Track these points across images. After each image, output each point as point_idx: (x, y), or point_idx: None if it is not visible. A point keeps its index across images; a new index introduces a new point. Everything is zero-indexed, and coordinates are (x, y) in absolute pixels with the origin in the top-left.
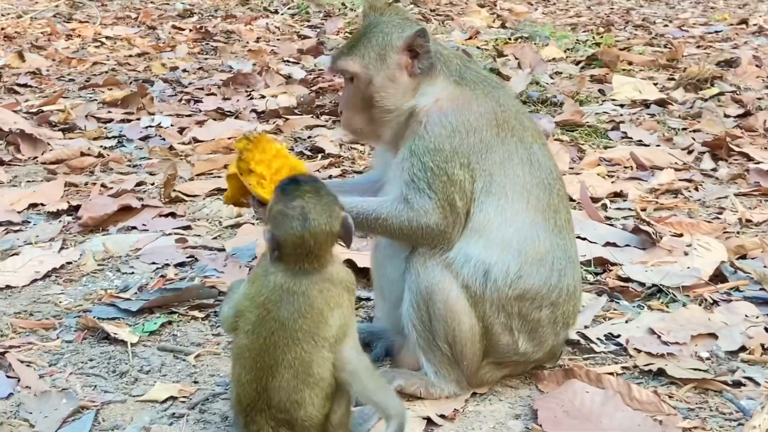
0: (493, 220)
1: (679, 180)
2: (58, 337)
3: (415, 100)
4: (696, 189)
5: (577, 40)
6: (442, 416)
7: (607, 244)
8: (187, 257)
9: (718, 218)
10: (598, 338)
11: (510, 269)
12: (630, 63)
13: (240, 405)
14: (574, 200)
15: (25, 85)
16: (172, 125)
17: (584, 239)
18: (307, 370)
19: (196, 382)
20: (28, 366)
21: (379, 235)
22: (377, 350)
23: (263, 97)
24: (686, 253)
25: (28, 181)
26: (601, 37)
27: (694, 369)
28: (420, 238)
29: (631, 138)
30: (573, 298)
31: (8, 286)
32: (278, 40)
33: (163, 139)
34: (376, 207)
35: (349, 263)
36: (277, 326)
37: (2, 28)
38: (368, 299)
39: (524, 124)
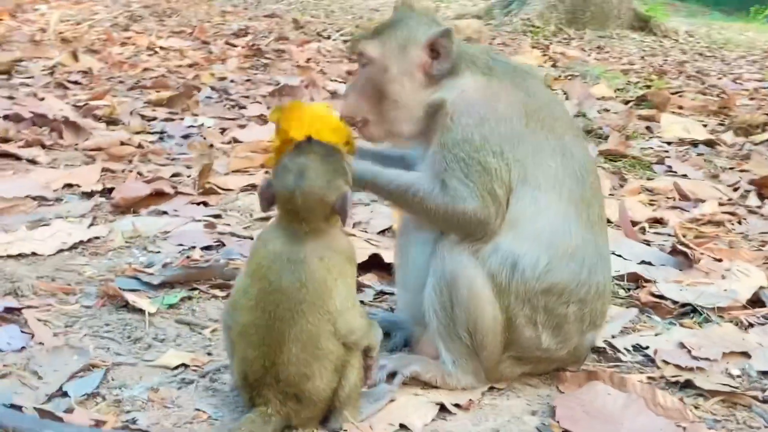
0: (527, 211)
1: (722, 212)
2: (77, 302)
3: (440, 93)
4: (739, 222)
5: (628, 81)
6: (457, 405)
7: (643, 262)
8: (215, 242)
9: (761, 251)
10: (625, 348)
11: (539, 262)
12: (680, 107)
13: (246, 381)
14: (611, 222)
15: (75, 83)
16: (213, 126)
17: (619, 256)
18: (315, 343)
19: (210, 354)
20: (44, 324)
21: (413, 214)
22: (396, 339)
23: None
24: (724, 277)
25: (67, 165)
26: (653, 80)
27: (724, 384)
28: (455, 225)
29: (675, 172)
30: (602, 296)
31: (34, 254)
32: (328, 62)
33: (204, 138)
34: (415, 181)
35: (376, 258)
36: (281, 298)
37: (60, 32)
38: (392, 294)
39: (555, 115)
